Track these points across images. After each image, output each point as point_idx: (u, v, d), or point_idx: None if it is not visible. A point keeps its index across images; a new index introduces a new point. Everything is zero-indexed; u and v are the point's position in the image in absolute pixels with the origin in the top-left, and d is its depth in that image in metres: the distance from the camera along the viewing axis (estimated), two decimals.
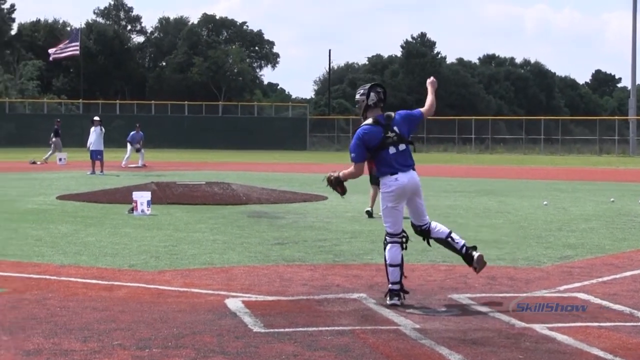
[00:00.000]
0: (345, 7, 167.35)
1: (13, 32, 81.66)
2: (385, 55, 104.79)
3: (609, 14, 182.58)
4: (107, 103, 68.31)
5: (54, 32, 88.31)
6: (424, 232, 7.60)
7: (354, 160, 7.47)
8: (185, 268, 9.08)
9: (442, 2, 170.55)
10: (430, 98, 7.86)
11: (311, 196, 18.67)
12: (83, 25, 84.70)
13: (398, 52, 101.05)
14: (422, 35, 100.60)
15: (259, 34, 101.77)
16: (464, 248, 7.56)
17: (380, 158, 7.38)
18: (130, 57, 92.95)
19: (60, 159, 35.48)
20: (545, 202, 17.58)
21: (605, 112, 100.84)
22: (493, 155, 57.05)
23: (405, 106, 9.09)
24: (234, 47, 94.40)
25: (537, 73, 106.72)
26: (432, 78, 8.14)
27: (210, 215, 14.66)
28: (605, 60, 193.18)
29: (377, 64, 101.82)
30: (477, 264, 7.54)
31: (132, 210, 14.60)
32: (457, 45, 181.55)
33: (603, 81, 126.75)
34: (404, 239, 7.44)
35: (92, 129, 28.14)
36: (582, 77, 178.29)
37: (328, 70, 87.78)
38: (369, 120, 7.47)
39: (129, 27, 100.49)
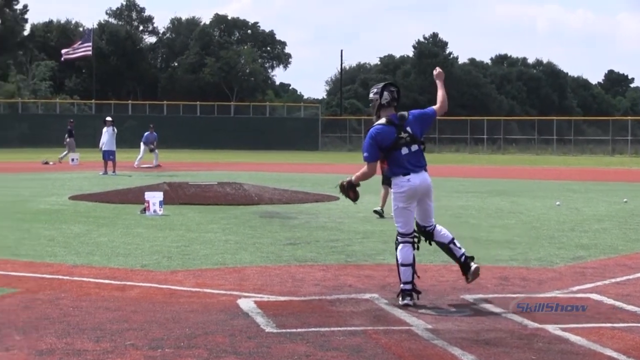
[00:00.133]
0: (357, 8, 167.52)
1: (26, 33, 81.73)
2: (397, 55, 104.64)
3: (622, 15, 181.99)
4: (120, 103, 68.50)
5: (66, 32, 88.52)
6: (427, 234, 7.59)
7: (367, 160, 7.45)
8: (197, 268, 9.09)
9: (454, 2, 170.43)
10: (440, 93, 7.74)
11: (323, 196, 18.65)
12: (95, 26, 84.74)
13: (410, 53, 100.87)
14: (434, 36, 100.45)
15: (271, 34, 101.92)
16: (463, 257, 7.57)
17: (392, 158, 7.36)
18: (142, 57, 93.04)
19: (72, 159, 35.60)
20: (557, 203, 17.51)
21: (618, 113, 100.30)
22: (505, 156, 56.89)
23: (417, 106, 9.00)
24: (245, 47, 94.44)
25: (549, 73, 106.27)
26: (438, 69, 8.00)
27: (222, 215, 14.68)
28: (618, 60, 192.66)
29: (389, 64, 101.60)
30: (471, 275, 7.56)
31: (144, 210, 14.63)
32: (469, 46, 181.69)
33: (616, 81, 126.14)
34: (415, 239, 7.45)
35: (105, 129, 28.27)
36: (595, 77, 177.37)
37: (340, 70, 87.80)
38: (382, 120, 7.43)
39: (141, 28, 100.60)
